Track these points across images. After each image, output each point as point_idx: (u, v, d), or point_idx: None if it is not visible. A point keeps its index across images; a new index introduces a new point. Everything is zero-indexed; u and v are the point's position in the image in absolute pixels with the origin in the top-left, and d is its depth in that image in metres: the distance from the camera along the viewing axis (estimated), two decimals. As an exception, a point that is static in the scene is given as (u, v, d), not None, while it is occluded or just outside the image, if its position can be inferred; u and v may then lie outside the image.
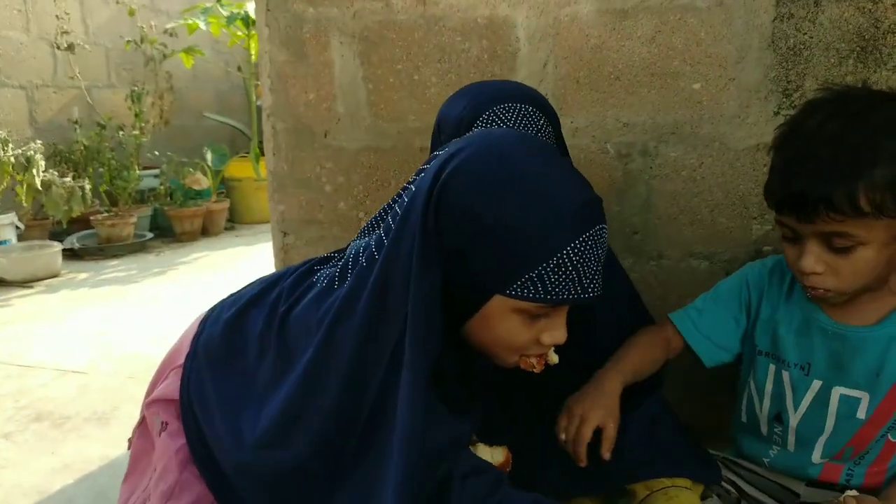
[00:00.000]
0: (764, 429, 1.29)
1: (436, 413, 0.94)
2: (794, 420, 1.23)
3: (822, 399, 1.19)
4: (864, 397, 1.16)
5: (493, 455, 1.12)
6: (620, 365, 1.20)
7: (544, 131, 1.17)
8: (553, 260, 0.87)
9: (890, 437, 1.17)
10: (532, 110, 1.17)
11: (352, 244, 1.07)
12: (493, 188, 0.88)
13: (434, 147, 1.31)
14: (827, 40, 1.48)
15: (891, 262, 1.07)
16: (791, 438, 1.24)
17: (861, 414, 1.16)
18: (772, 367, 1.25)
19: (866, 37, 1.45)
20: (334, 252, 1.15)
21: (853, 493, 1.04)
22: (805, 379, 1.20)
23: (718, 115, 1.58)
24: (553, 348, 1.00)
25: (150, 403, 1.18)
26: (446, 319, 0.95)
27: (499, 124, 1.14)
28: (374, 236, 1.01)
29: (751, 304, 1.27)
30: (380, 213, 1.05)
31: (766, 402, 1.27)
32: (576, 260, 0.88)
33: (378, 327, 0.93)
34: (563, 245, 0.87)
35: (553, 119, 1.23)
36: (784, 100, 1.53)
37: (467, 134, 1.06)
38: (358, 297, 0.95)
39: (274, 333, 1.04)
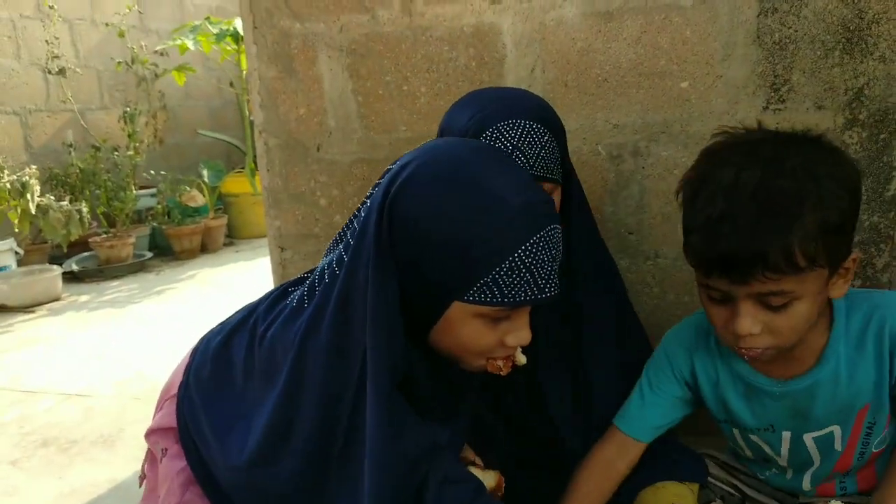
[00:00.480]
0: (757, 463, 1.28)
1: (405, 422, 0.96)
2: (782, 461, 1.21)
3: (797, 445, 1.17)
4: (836, 430, 1.13)
5: (484, 478, 1.12)
6: None
7: (548, 147, 1.17)
8: (505, 264, 0.90)
9: (873, 447, 1.16)
10: (537, 127, 1.17)
11: (321, 262, 1.09)
12: (441, 200, 0.91)
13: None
14: (812, 33, 1.48)
15: (821, 310, 1.03)
16: (788, 470, 1.23)
17: (838, 446, 1.15)
18: (736, 431, 1.22)
19: (851, 28, 1.45)
20: (307, 272, 1.16)
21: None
22: (774, 434, 1.17)
23: (708, 112, 1.58)
24: (520, 349, 1.01)
25: (150, 434, 1.21)
26: (414, 327, 0.97)
27: (503, 142, 1.14)
28: (336, 253, 1.04)
29: (684, 374, 1.22)
30: (342, 230, 1.08)
31: (748, 452, 1.25)
32: (528, 262, 0.90)
33: (343, 341, 0.96)
34: (514, 249, 0.90)
35: (558, 131, 1.23)
36: (772, 94, 1.53)
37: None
38: (323, 313, 0.98)
39: (255, 356, 1.07)
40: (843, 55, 1.47)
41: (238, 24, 4.98)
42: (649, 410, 1.23)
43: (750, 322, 0.97)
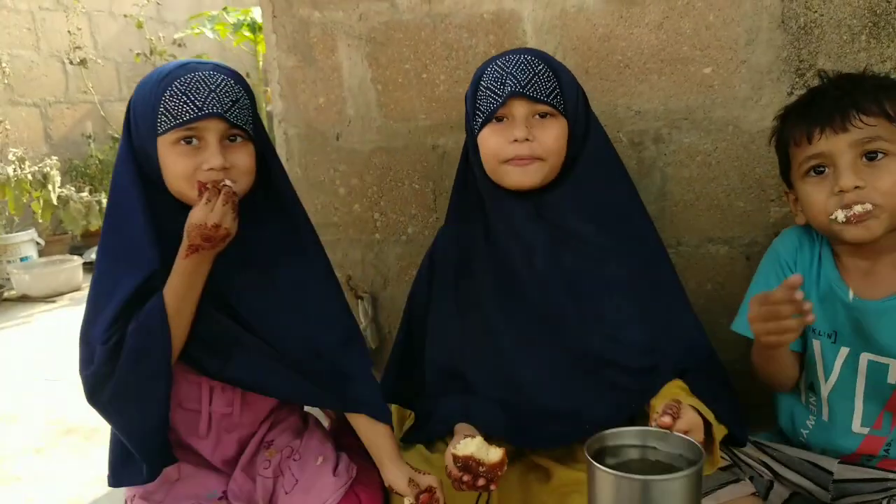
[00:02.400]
0: (802, 397, 1.29)
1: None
2: (825, 389, 1.23)
3: (851, 366, 1.20)
4: (893, 363, 1.16)
5: (489, 452, 1.13)
6: None
7: (542, 75, 1.26)
8: (165, 94, 1.19)
9: None
10: (530, 58, 1.27)
11: None
12: (140, 84, 1.28)
13: (467, 124, 1.37)
14: (838, 17, 1.46)
15: None
16: (825, 409, 1.24)
17: (892, 379, 1.17)
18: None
19: (878, 12, 1.43)
20: None
21: None
22: (833, 346, 1.21)
23: (731, 98, 1.56)
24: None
25: None
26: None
27: (498, 72, 1.27)
28: None
29: (789, 264, 1.29)
30: None
31: (803, 371, 1.28)
32: (183, 89, 1.19)
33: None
34: (168, 85, 1.20)
35: (560, 74, 1.30)
36: (797, 80, 1.51)
37: None
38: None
39: None
40: (870, 39, 1.45)
41: (256, 13, 4.97)
42: None
43: (852, 174, 1.09)
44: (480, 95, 1.30)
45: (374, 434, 1.32)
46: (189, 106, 1.20)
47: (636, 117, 1.64)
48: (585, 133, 1.35)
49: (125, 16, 5.31)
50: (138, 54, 5.08)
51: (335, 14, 1.81)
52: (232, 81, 1.24)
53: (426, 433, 1.42)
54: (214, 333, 1.29)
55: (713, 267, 1.65)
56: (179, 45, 5.29)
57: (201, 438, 1.34)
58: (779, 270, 1.29)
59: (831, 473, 1.24)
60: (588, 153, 1.35)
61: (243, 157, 1.26)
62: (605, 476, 0.91)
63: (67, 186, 4.37)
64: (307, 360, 1.31)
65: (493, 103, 1.27)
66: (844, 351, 1.21)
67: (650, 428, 1.02)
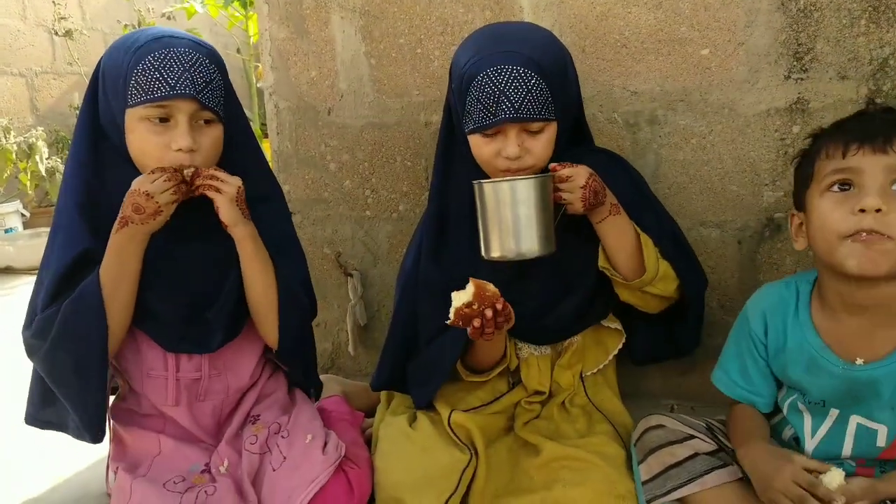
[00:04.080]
0: (785, 436, 1.28)
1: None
2: (809, 446, 1.22)
3: (840, 426, 1.18)
4: (882, 429, 1.14)
5: (459, 297, 1.22)
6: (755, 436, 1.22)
7: (535, 90, 1.27)
8: (139, 67, 1.20)
9: None
10: (524, 72, 1.26)
11: None
12: (110, 50, 1.29)
13: (448, 89, 1.41)
14: (838, 1, 1.44)
15: None
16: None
17: (881, 443, 1.15)
18: (786, 390, 1.26)
19: (879, -5, 1.42)
20: None
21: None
22: (822, 409, 1.19)
23: (728, 80, 1.55)
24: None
25: None
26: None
27: (491, 87, 1.26)
28: None
29: (762, 342, 1.26)
30: None
31: (785, 424, 1.27)
32: (157, 65, 1.20)
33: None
34: (141, 59, 1.20)
35: (552, 71, 1.30)
36: (795, 63, 1.50)
37: None
38: None
39: None
40: (870, 24, 1.44)
41: (247, -13, 4.90)
42: (754, 380, 1.28)
43: (878, 196, 1.04)
44: (471, 103, 1.30)
45: None
46: (161, 83, 1.20)
47: (632, 98, 1.62)
48: (576, 121, 1.42)
49: (114, -14, 5.22)
50: (126, 25, 4.99)
51: (329, -15, 1.78)
52: (207, 61, 1.24)
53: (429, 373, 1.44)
54: (164, 312, 1.30)
55: (705, 251, 1.65)
56: (169, 18, 5.21)
57: (173, 407, 1.33)
58: (750, 343, 1.27)
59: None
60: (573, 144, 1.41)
61: (209, 140, 1.27)
62: (475, 187, 1.26)
63: (54, 158, 4.31)
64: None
65: (486, 121, 1.29)
66: (834, 413, 1.18)
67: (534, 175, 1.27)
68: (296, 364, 1.44)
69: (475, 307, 1.21)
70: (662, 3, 1.55)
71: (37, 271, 1.35)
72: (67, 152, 4.64)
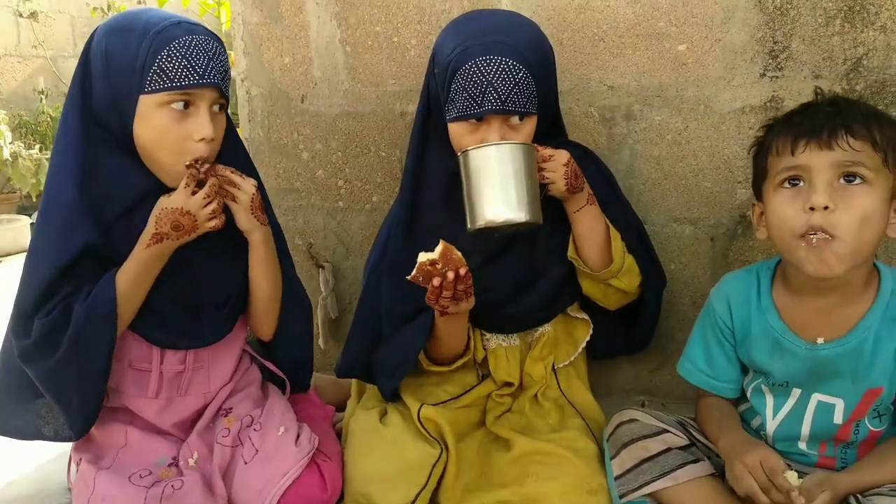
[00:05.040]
0: (753, 423, 1.30)
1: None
2: (770, 426, 1.24)
3: (801, 405, 1.21)
4: (840, 403, 1.17)
5: (426, 255, 1.22)
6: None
7: (521, 83, 1.26)
8: (164, 52, 1.16)
9: (870, 426, 1.19)
10: (512, 64, 1.25)
11: None
12: (113, 32, 1.23)
13: (428, 75, 1.40)
14: (814, 0, 1.45)
15: (880, 237, 1.10)
16: (769, 441, 1.26)
17: (837, 419, 1.18)
18: (752, 375, 1.28)
19: (854, -5, 1.43)
20: None
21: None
22: (785, 389, 1.22)
23: (704, 77, 1.55)
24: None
25: None
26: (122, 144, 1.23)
27: (479, 77, 1.25)
28: None
29: (728, 328, 1.28)
30: None
31: (754, 413, 1.29)
32: (184, 51, 1.17)
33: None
34: (169, 42, 1.17)
35: (536, 63, 1.30)
36: (770, 61, 1.50)
37: None
38: None
39: None
40: (844, 24, 1.44)
41: (219, -27, 4.82)
42: (715, 366, 1.31)
43: (825, 194, 1.06)
44: (456, 91, 1.28)
45: None
46: (190, 71, 1.17)
47: (608, 92, 1.61)
48: (553, 115, 1.43)
49: (82, -32, 5.10)
50: (95, 9, 4.88)
51: (305, -30, 1.75)
52: (222, 50, 1.24)
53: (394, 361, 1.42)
54: (166, 309, 1.27)
55: (678, 247, 1.65)
56: (139, 3, 5.10)
57: (150, 399, 1.30)
58: (717, 330, 1.28)
59: (789, 465, 1.25)
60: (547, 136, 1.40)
61: (221, 128, 1.26)
62: (460, 157, 1.25)
63: (16, 143, 4.20)
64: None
65: (470, 111, 1.27)
66: (796, 392, 1.21)
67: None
68: (289, 359, 1.44)
69: (439, 266, 1.20)
70: (641, -3, 1.54)
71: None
72: (31, 137, 4.53)
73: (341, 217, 1.90)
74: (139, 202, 1.23)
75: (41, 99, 4.67)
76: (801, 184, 1.10)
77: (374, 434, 1.36)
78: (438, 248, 1.20)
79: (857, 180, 1.07)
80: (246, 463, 1.25)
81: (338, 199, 1.89)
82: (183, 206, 1.17)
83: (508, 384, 1.47)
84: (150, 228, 1.18)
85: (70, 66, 5.20)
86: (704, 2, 1.51)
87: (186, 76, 1.17)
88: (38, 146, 4.40)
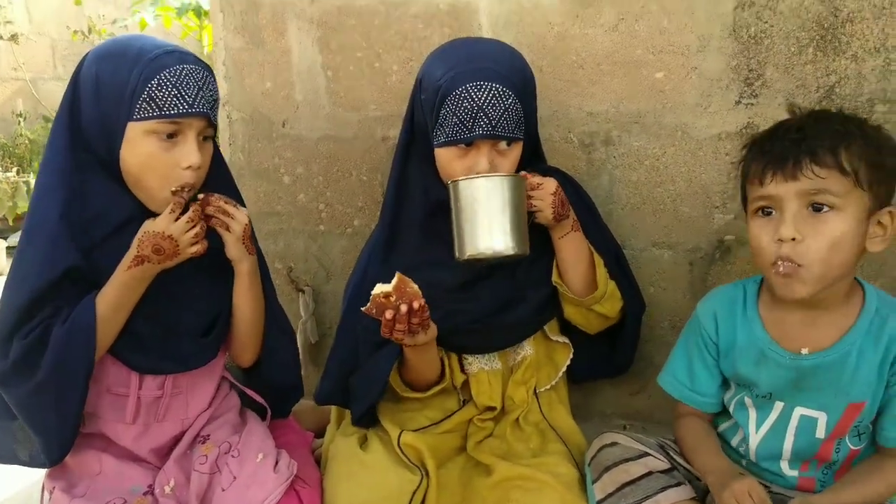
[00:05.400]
0: (734, 441, 1.31)
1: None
2: (753, 441, 1.25)
3: (783, 419, 1.22)
4: (822, 417, 1.19)
5: (381, 287, 1.22)
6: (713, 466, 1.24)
7: (511, 109, 1.28)
8: (154, 81, 1.17)
9: (850, 445, 1.20)
10: (503, 90, 1.27)
11: None
12: (104, 57, 1.22)
13: (413, 100, 1.41)
14: (787, 29, 1.48)
15: (855, 262, 1.12)
16: (752, 456, 1.26)
17: (820, 434, 1.19)
18: (734, 389, 1.29)
19: (825, 25, 1.46)
20: None
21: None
22: (768, 402, 1.23)
23: (681, 103, 1.57)
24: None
25: None
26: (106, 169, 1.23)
27: (470, 102, 1.26)
28: None
29: (713, 342, 1.29)
30: None
31: (734, 432, 1.30)
32: (174, 81, 1.17)
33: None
34: (157, 72, 1.17)
35: (523, 90, 1.33)
36: (745, 88, 1.53)
37: None
38: None
39: None
40: (817, 52, 1.48)
41: (201, -2, 4.84)
42: (696, 380, 1.32)
43: (792, 225, 1.08)
44: (445, 116, 1.29)
45: None
46: (179, 101, 1.18)
47: (588, 118, 1.63)
48: (535, 141, 1.45)
49: (63, -9, 5.10)
50: (76, 32, 4.88)
51: (287, -4, 1.76)
52: (212, 78, 1.25)
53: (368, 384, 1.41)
54: (146, 333, 1.26)
55: (657, 271, 1.66)
56: (122, 26, 5.10)
57: (127, 425, 1.28)
58: (701, 343, 1.30)
59: (767, 487, 1.25)
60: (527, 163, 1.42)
61: (208, 156, 1.26)
62: (450, 186, 1.26)
63: (-6, 165, 4.17)
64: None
65: (460, 136, 1.29)
66: (779, 405, 1.22)
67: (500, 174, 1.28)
68: (275, 386, 1.43)
69: (393, 299, 1.20)
70: (619, 25, 1.57)
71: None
72: (8, 160, 4.49)
73: (322, 241, 1.89)
74: (123, 226, 1.23)
75: (19, 122, 4.64)
76: (774, 213, 1.13)
77: (354, 460, 1.35)
78: (393, 281, 1.21)
79: (825, 208, 1.08)
80: (224, 490, 1.23)
81: (319, 223, 1.89)
82: (165, 231, 1.17)
83: (490, 408, 1.46)
84: (131, 251, 1.18)
85: (49, 88, 5.19)
86: (681, 31, 1.54)
87: (176, 105, 1.17)
88: (15, 169, 4.37)
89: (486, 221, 1.23)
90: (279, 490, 1.22)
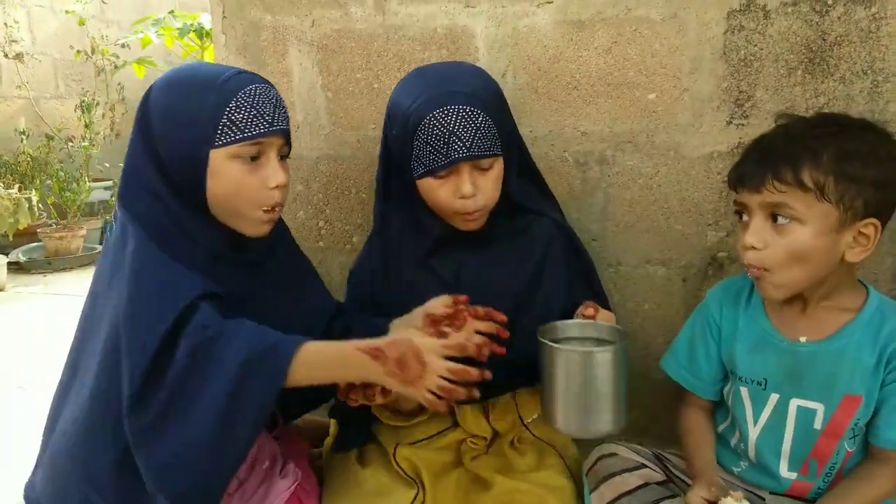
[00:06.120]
0: (732, 441, 1.32)
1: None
2: (752, 434, 1.27)
3: (780, 411, 1.23)
4: (819, 408, 1.20)
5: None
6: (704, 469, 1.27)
7: (483, 127, 1.29)
8: (231, 105, 1.15)
9: (847, 447, 1.22)
10: (470, 111, 1.28)
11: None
12: (172, 87, 1.20)
13: (385, 137, 1.43)
14: (776, 52, 1.52)
15: (831, 266, 1.15)
16: (752, 452, 1.28)
17: (817, 425, 1.21)
18: (732, 380, 1.31)
19: (814, 48, 1.50)
20: None
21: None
22: (762, 393, 1.25)
23: (673, 124, 1.61)
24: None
25: None
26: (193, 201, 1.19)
27: (441, 128, 1.27)
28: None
29: (717, 325, 1.33)
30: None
31: (731, 432, 1.32)
32: (251, 101, 1.16)
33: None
34: (234, 93, 1.15)
35: (493, 107, 1.33)
36: (736, 109, 1.57)
37: None
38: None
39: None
40: (805, 75, 1.52)
41: (203, 19, 4.89)
42: (696, 364, 1.36)
43: (754, 235, 1.15)
44: (419, 147, 1.30)
45: None
46: (259, 120, 1.16)
47: (582, 138, 1.67)
48: (518, 156, 1.44)
49: (67, 12, 5.15)
50: (79, 52, 4.93)
51: (287, 19, 1.80)
52: (280, 97, 1.24)
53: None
54: None
55: (651, 287, 1.69)
56: (123, 46, 5.16)
57: None
58: (705, 326, 1.34)
59: (763, 499, 1.28)
60: (520, 176, 1.44)
61: (288, 175, 1.25)
62: (555, 351, 1.15)
63: (-4, 183, 4.19)
64: None
65: (438, 162, 1.29)
66: (774, 397, 1.24)
67: (585, 321, 1.26)
68: (306, 400, 1.43)
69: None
70: (612, 48, 1.61)
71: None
72: (10, 177, 4.50)
73: (322, 257, 1.92)
74: (215, 257, 1.21)
75: (22, 139, 4.67)
76: (744, 217, 1.19)
77: (350, 475, 1.37)
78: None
79: (784, 220, 1.13)
80: (230, 494, 1.25)
81: (318, 240, 1.92)
82: (424, 354, 1.09)
83: (481, 437, 1.46)
84: (378, 341, 1.12)
85: (51, 107, 5.23)
86: (672, 53, 1.57)
87: (257, 125, 1.16)
88: (17, 185, 4.39)
89: (579, 398, 1.15)
90: (288, 491, 1.25)
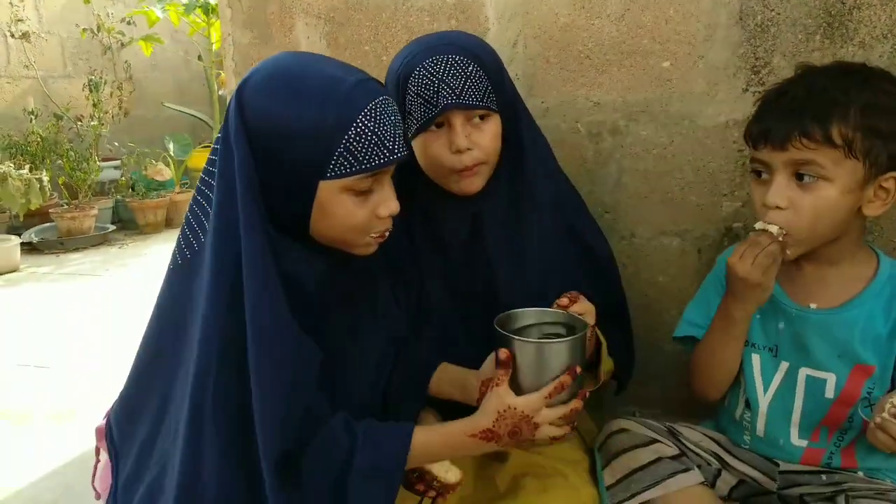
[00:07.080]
0: (737, 413, 1.31)
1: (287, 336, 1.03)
2: (763, 404, 1.26)
3: (790, 381, 1.22)
4: (831, 377, 1.19)
5: (447, 472, 1.14)
6: None
7: (474, 77, 1.22)
8: (351, 131, 0.98)
9: (862, 414, 1.19)
10: (460, 59, 1.22)
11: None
12: (278, 94, 1.00)
13: None
14: (794, 16, 1.48)
15: (849, 223, 1.13)
16: (760, 424, 1.27)
17: (829, 394, 1.20)
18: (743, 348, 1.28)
19: (833, 12, 1.46)
20: None
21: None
22: (773, 361, 1.24)
23: (688, 92, 1.58)
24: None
25: (97, 429, 1.24)
26: (295, 228, 1.06)
27: (429, 78, 1.21)
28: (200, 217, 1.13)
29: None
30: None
31: (739, 386, 1.30)
32: (372, 126, 0.99)
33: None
34: (354, 116, 0.98)
35: (489, 63, 1.26)
36: (752, 77, 1.53)
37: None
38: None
39: None
40: (824, 40, 1.48)
41: (209, -6, 4.86)
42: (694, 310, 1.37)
43: (779, 193, 1.11)
44: (410, 101, 1.24)
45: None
46: (380, 149, 1.00)
47: (595, 108, 1.64)
48: (515, 118, 1.35)
49: (72, -11, 5.13)
50: (85, 30, 4.91)
51: (294, -9, 1.78)
52: (399, 113, 1.07)
53: None
54: None
55: (665, 259, 1.67)
56: (129, 24, 5.14)
57: None
58: (717, 285, 1.32)
59: (777, 465, 1.26)
60: (522, 143, 1.36)
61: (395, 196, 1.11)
62: (508, 341, 1.08)
63: (6, 163, 4.20)
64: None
65: (429, 113, 1.22)
66: (784, 366, 1.23)
67: (547, 309, 1.19)
68: None
69: (435, 484, 1.16)
70: (625, 15, 1.57)
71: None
72: (21, 157, 4.52)
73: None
74: (320, 286, 1.11)
75: (31, 119, 4.67)
76: (764, 175, 1.16)
77: None
78: (455, 477, 1.15)
79: (811, 178, 1.10)
80: None
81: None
82: (530, 413, 1.05)
83: None
84: (484, 422, 1.05)
85: (59, 86, 5.22)
86: (687, 19, 1.54)
87: (377, 155, 1.00)
88: (27, 166, 4.41)
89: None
90: None
